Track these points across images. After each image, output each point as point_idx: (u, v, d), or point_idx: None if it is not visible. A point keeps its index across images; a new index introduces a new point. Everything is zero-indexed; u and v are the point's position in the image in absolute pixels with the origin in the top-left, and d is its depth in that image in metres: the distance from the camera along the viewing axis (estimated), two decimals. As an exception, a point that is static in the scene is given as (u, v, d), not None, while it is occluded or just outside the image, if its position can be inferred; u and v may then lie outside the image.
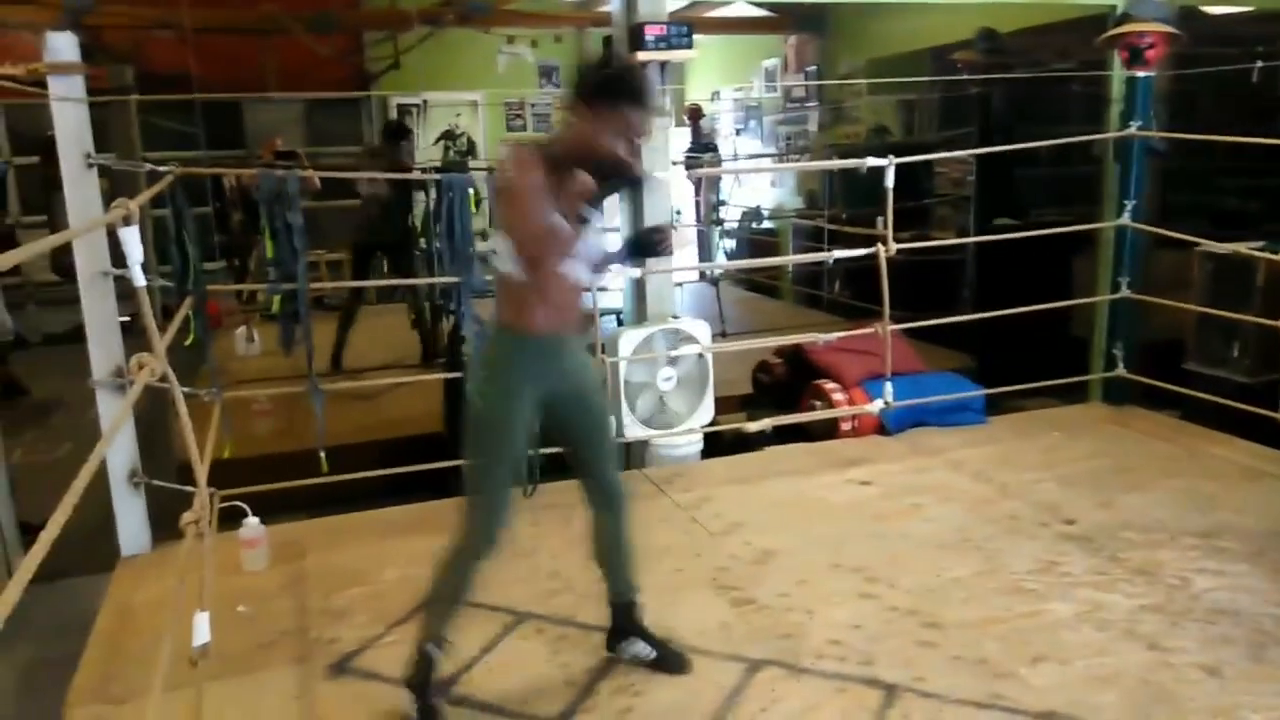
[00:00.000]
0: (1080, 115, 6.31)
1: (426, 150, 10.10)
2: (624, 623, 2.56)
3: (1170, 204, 5.05)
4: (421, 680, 2.35)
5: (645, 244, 2.42)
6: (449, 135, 10.86)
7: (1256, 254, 4.22)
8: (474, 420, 2.32)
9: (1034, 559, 3.12)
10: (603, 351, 3.94)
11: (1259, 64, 4.91)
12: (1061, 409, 4.78)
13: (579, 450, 2.50)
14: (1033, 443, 4.24)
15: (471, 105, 11.39)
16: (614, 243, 2.58)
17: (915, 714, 2.33)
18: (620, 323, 4.55)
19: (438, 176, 4.24)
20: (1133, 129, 4.40)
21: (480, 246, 3.72)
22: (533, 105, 11.28)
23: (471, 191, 3.61)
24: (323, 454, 3.64)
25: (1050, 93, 6.85)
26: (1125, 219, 4.50)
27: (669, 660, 2.53)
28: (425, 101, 10.77)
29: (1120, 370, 4.59)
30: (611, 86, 2.11)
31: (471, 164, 9.24)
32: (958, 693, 2.41)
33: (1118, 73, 4.54)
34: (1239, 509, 3.44)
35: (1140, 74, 4.37)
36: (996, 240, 5.26)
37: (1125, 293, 4.56)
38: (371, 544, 3.45)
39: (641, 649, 2.54)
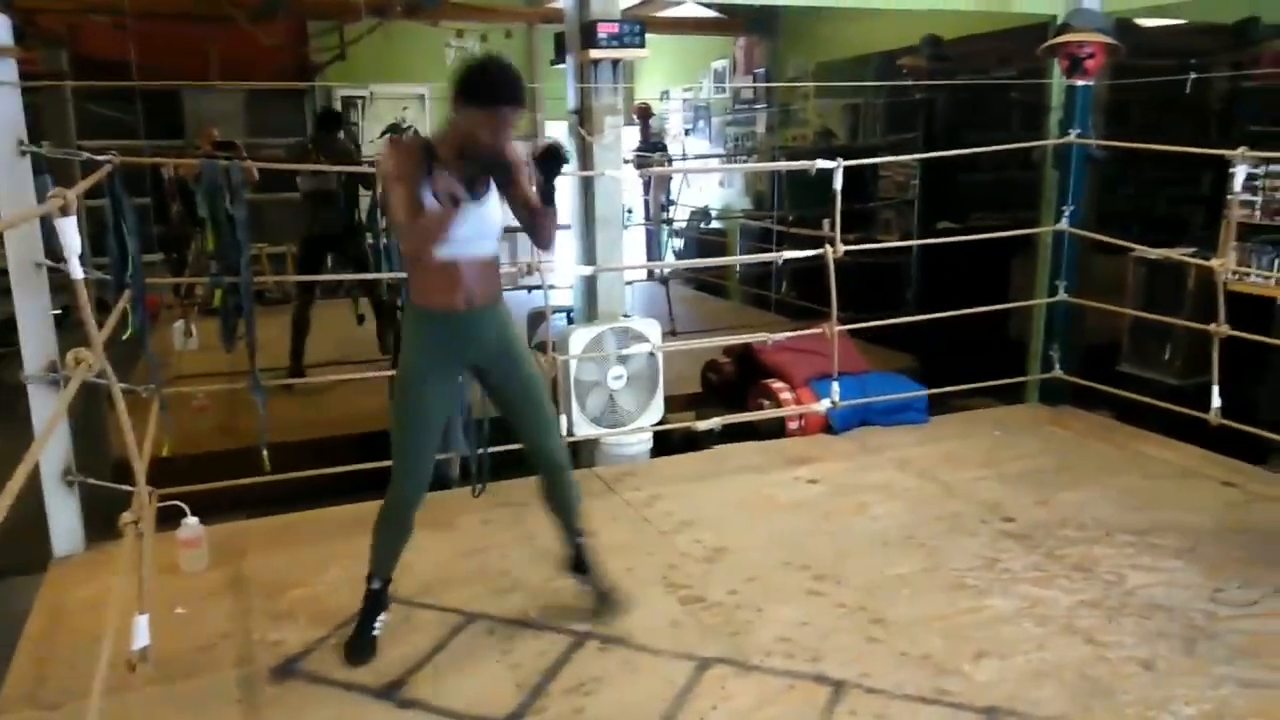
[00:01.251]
0: (1021, 122, 6.46)
1: (374, 143, 9.93)
2: (576, 561, 2.85)
3: (1107, 210, 5.21)
4: (365, 612, 2.67)
5: (545, 161, 2.40)
6: (395, 129, 10.68)
7: (1188, 259, 4.36)
8: (394, 386, 2.62)
9: (976, 556, 3.19)
10: (553, 350, 3.92)
11: (1192, 76, 5.08)
12: (1001, 409, 4.90)
13: (511, 417, 2.70)
14: (974, 442, 4.33)
15: (419, 99, 11.23)
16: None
17: (862, 710, 2.36)
18: (571, 321, 4.54)
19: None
20: (1071, 136, 4.53)
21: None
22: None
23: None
24: (265, 452, 3.56)
25: (992, 99, 7.01)
26: (1063, 224, 4.63)
27: (602, 604, 2.79)
28: (371, 94, 10.60)
29: (1057, 372, 4.72)
30: (475, 85, 2.30)
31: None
32: (903, 689, 2.45)
33: (1057, 81, 4.66)
34: (1172, 507, 3.55)
35: (1079, 83, 4.49)
36: (939, 243, 5.37)
37: (1062, 296, 4.69)
38: (316, 544, 3.38)
39: (587, 588, 2.84)
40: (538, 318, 4.71)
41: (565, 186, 2.59)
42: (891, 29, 7.10)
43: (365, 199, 5.93)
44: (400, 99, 11.08)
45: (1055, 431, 4.49)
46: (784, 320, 7.03)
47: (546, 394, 2.74)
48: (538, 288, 3.69)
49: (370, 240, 4.47)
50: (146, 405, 3.39)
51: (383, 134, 10.50)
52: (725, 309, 8.64)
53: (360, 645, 2.63)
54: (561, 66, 4.20)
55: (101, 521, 3.10)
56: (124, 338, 3.39)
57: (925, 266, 6.29)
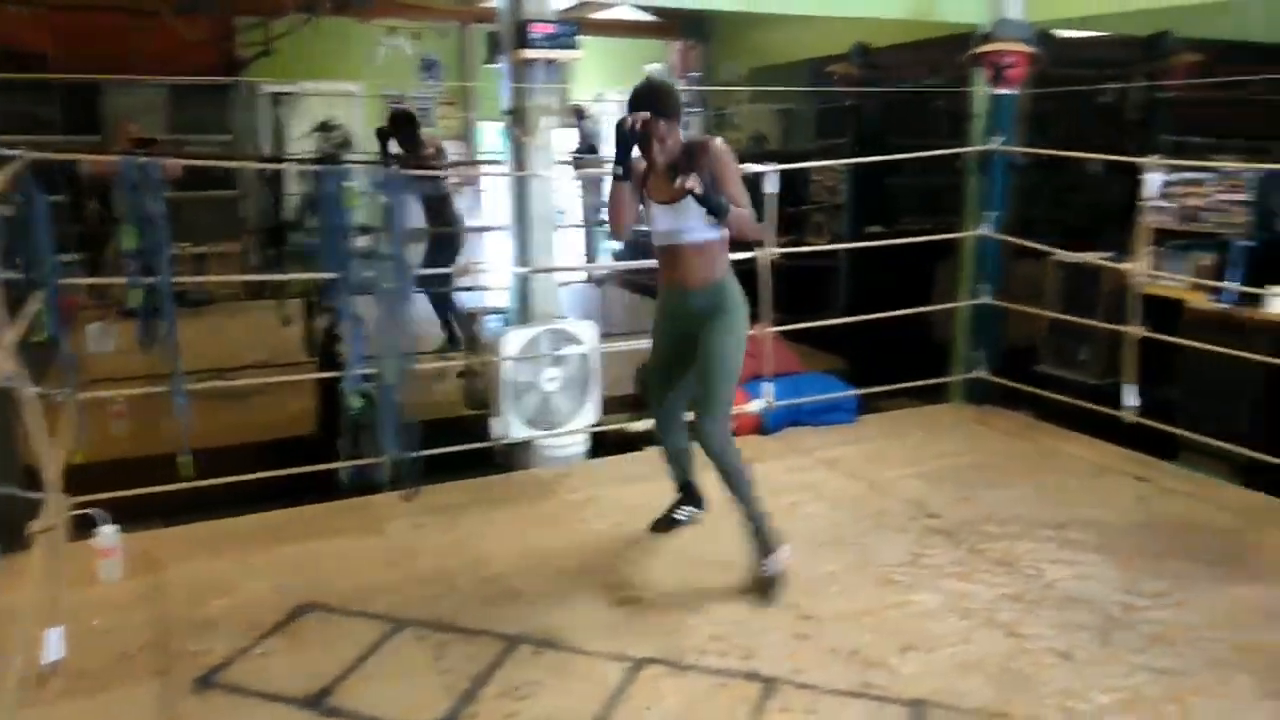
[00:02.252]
0: (947, 129, 6.62)
1: (300, 142, 9.74)
2: (684, 495, 3.34)
3: (1029, 216, 5.36)
4: (672, 504, 3.44)
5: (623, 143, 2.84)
6: (324, 127, 10.50)
7: (1103, 263, 4.52)
8: None
9: (902, 552, 3.26)
10: (485, 351, 3.89)
11: (1109, 86, 5.27)
12: (926, 409, 5.01)
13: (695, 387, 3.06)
14: (900, 441, 4.42)
15: (348, 97, 11.03)
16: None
17: (793, 706, 2.39)
18: (505, 323, 4.50)
19: (312, 169, 4.10)
20: (994, 144, 4.66)
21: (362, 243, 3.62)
22: (413, 99, 11.02)
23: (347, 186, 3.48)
24: (186, 458, 3.46)
25: (920, 107, 7.17)
26: (986, 229, 4.76)
27: (756, 587, 2.97)
28: (297, 91, 10.37)
29: (980, 372, 4.86)
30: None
31: (348, 158, 8.95)
32: (833, 683, 2.49)
33: (981, 89, 4.79)
34: (1089, 503, 3.68)
35: (1002, 91, 4.63)
36: (869, 247, 5.47)
37: (985, 299, 4.82)
38: (240, 552, 3.30)
39: (684, 513, 3.36)
40: (470, 318, 4.67)
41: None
42: (822, 36, 7.22)
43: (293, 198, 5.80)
44: (330, 97, 10.87)
45: (978, 430, 4.61)
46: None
47: (719, 379, 2.96)
48: (470, 289, 3.66)
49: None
50: (61, 410, 3.26)
51: (311, 132, 10.33)
52: (660, 311, 8.65)
53: (661, 521, 3.40)
54: (496, 66, 4.17)
55: (8, 532, 2.97)
56: (37, 340, 3.26)
57: (855, 270, 6.39)
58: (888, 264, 5.49)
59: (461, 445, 3.89)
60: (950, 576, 3.08)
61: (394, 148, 5.73)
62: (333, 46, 9.88)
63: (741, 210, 2.83)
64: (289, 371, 5.53)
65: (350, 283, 3.38)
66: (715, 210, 2.75)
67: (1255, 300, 4.08)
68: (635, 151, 2.86)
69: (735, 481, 2.95)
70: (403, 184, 3.32)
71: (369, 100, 10.99)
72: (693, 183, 2.70)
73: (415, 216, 9.07)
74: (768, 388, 4.40)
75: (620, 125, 2.80)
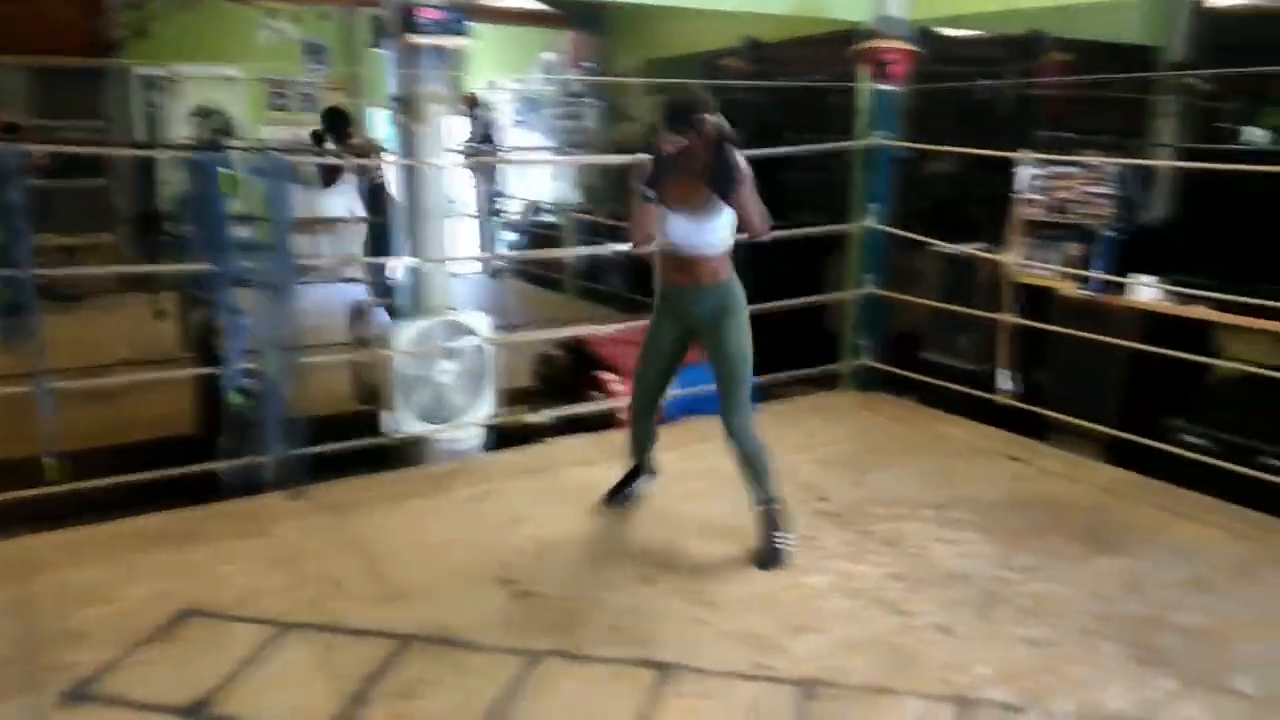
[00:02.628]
0: (836, 124, 6.78)
1: (178, 128, 9.30)
2: (760, 521, 3.17)
3: (912, 208, 5.55)
4: (623, 478, 3.56)
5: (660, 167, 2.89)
6: (203, 112, 10.05)
7: (979, 254, 4.72)
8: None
9: (795, 536, 3.34)
10: (376, 344, 3.80)
11: (985, 83, 5.50)
12: (818, 396, 5.14)
13: (714, 380, 3.17)
14: (793, 428, 4.52)
15: (228, 81, 10.58)
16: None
17: (687, 691, 2.43)
18: (394, 314, 4.40)
19: (187, 154, 3.91)
20: (878, 139, 4.80)
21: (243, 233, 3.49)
22: (298, 84, 10.65)
23: (224, 173, 3.35)
24: (52, 460, 3.27)
25: (810, 102, 7.32)
26: (871, 222, 4.91)
27: (757, 555, 3.11)
28: (174, 74, 9.89)
29: (867, 360, 5.01)
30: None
31: (229, 144, 8.59)
32: (727, 666, 2.53)
33: (865, 86, 4.93)
34: (969, 483, 3.84)
35: (885, 87, 4.77)
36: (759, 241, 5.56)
37: (871, 289, 4.98)
38: (115, 558, 3.14)
39: (759, 539, 3.16)
40: (359, 311, 4.55)
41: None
42: (715, 30, 7.29)
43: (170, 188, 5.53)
44: (208, 80, 10.41)
45: (866, 416, 4.76)
46: (616, 313, 7.09)
47: (743, 375, 3.11)
48: (358, 280, 3.57)
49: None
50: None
51: (191, 117, 9.88)
52: (558, 302, 8.62)
53: (613, 496, 3.51)
54: (382, 52, 4.06)
55: None
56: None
57: (749, 261, 6.49)
58: (782, 255, 5.60)
59: (351, 441, 3.79)
60: (840, 558, 3.17)
61: (328, 144, 5.56)
62: (211, 29, 9.46)
63: (750, 202, 2.94)
64: (166, 368, 5.30)
65: (228, 274, 3.25)
66: (721, 185, 2.85)
67: (1119, 288, 4.33)
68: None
69: (760, 469, 3.13)
70: (283, 171, 3.20)
71: (251, 84, 10.56)
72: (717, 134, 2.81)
73: (305, 205, 8.80)
74: (664, 378, 4.43)
75: (658, 151, 2.85)
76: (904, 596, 2.92)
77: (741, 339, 3.11)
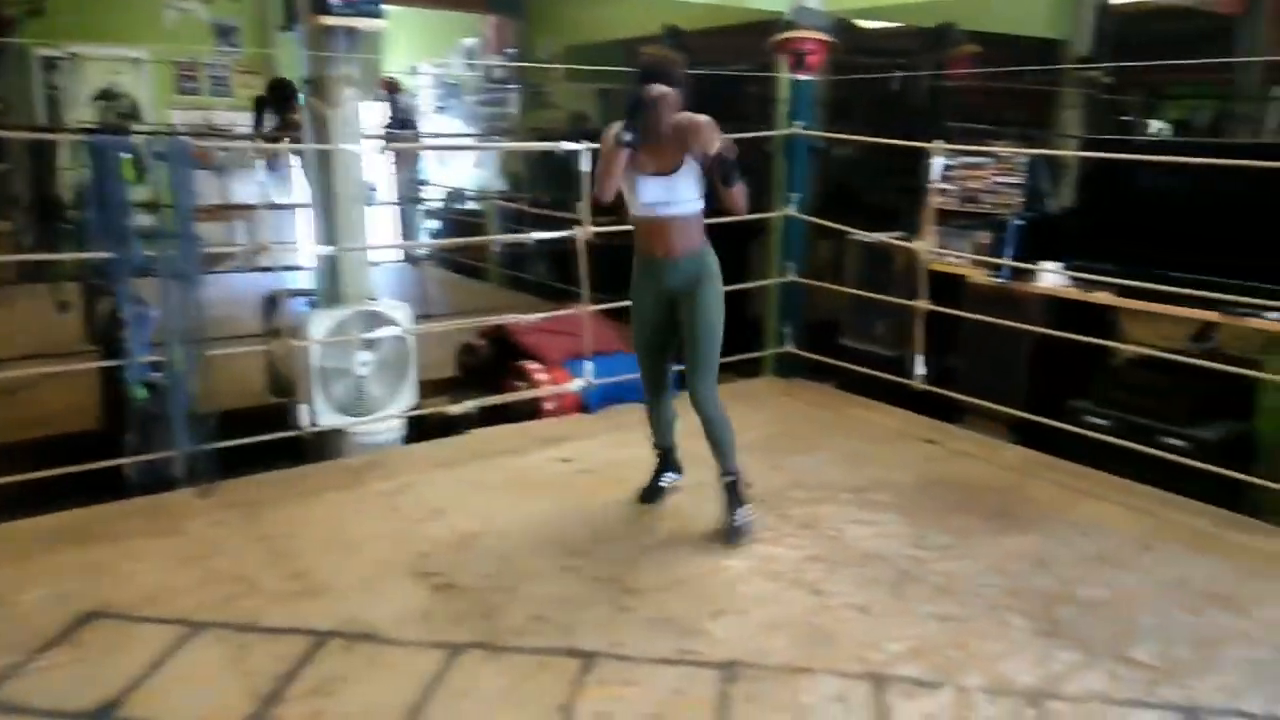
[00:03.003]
0: (757, 114, 6.85)
1: (80, 111, 8.89)
2: (723, 495, 3.23)
3: (832, 197, 5.64)
4: (656, 470, 3.57)
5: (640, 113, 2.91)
6: (107, 95, 9.64)
7: (895, 242, 4.83)
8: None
9: (716, 521, 3.37)
10: (290, 335, 3.70)
11: (899, 74, 5.61)
12: (741, 383, 5.19)
13: (683, 348, 3.20)
14: (670, 360, 4.54)
15: (135, 62, 10.16)
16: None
17: (611, 678, 2.43)
18: (311, 304, 4.30)
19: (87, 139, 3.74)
20: (797, 128, 4.86)
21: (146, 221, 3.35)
22: (208, 66, 10.28)
23: (129, 158, 3.21)
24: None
25: (731, 91, 7.36)
26: (791, 210, 4.97)
27: (723, 532, 3.19)
28: (74, 55, 9.45)
29: (788, 347, 5.09)
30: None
31: (135, 128, 8.26)
32: (650, 652, 2.55)
33: (784, 75, 4.98)
34: (886, 466, 3.93)
35: (803, 78, 4.83)
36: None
37: (791, 277, 5.05)
38: (14, 560, 3.01)
39: (723, 517, 3.22)
40: (272, 301, 4.42)
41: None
42: (634, 17, 7.28)
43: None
44: (112, 62, 9.98)
45: (787, 402, 4.83)
46: (540, 302, 7.05)
47: (711, 345, 3.16)
48: (270, 269, 3.46)
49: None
50: None
51: (93, 100, 9.45)
52: (481, 291, 8.53)
53: (649, 491, 3.49)
54: (293, 34, 3.95)
55: None
56: None
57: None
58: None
59: (264, 435, 3.68)
60: (760, 541, 3.22)
61: (269, 119, 5.35)
62: (114, 8, 9.07)
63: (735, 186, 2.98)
64: (68, 361, 5.08)
65: (130, 264, 3.12)
66: (728, 179, 2.91)
67: (1027, 275, 4.47)
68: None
69: (724, 438, 3.20)
70: (187, 156, 3.09)
71: (158, 66, 10.16)
72: (726, 149, 2.87)
73: (213, 193, 8.51)
74: (588, 367, 4.43)
75: (640, 96, 2.88)
76: (822, 577, 2.98)
77: (716, 310, 3.16)
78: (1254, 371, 3.87)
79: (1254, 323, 3.76)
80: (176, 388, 3.21)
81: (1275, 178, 3.66)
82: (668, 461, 3.57)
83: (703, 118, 2.95)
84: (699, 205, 3.08)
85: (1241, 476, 3.66)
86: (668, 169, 3.01)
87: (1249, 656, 2.58)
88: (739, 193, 2.99)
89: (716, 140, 2.92)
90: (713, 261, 3.18)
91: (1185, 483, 3.72)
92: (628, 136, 2.90)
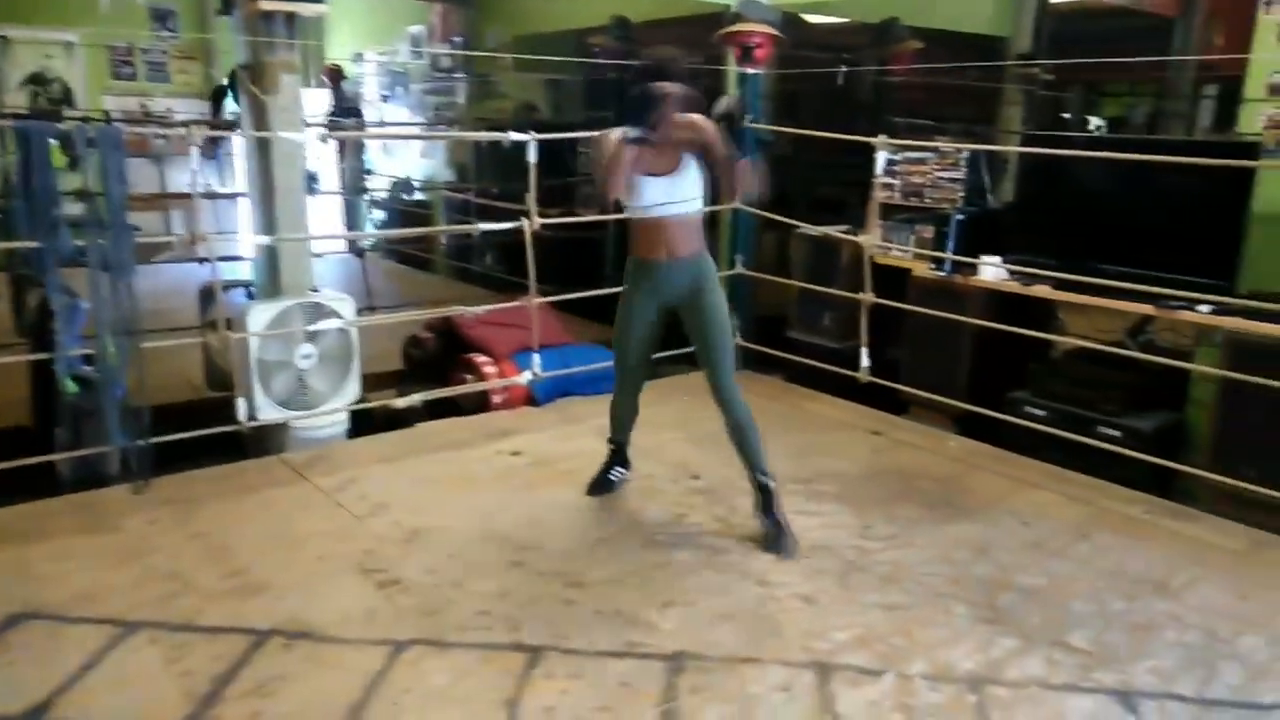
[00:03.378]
0: (706, 106, 6.84)
1: (9, 95, 8.58)
2: (757, 503, 3.13)
3: (780, 191, 5.66)
4: (605, 463, 3.54)
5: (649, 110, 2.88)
6: (38, 80, 9.32)
7: (841, 236, 4.87)
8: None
9: (666, 513, 3.39)
10: (228, 327, 3.61)
11: (844, 69, 5.66)
12: (691, 375, 5.14)
13: (698, 354, 3.18)
14: (667, 407, 4.56)
15: (67, 46, 9.83)
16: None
17: (557, 672, 2.42)
18: (251, 296, 4.20)
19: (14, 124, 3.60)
20: (745, 121, 4.86)
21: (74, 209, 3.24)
22: (144, 52, 9.98)
23: (55, 144, 3.09)
24: None
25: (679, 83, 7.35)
26: (738, 203, 4.97)
27: (770, 541, 3.08)
28: (3, 38, 9.12)
29: (736, 339, 5.09)
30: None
31: (67, 114, 8.00)
32: (597, 645, 2.54)
33: (732, 69, 4.99)
34: (832, 457, 3.97)
35: (750, 71, 4.84)
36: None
37: (740, 270, 5.07)
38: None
39: (761, 526, 3.12)
40: (209, 293, 4.30)
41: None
42: (584, 7, 7.23)
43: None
44: (43, 45, 9.64)
45: (737, 394, 4.84)
46: (488, 294, 6.98)
47: (727, 344, 3.13)
48: (208, 260, 3.37)
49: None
50: None
51: (22, 85, 9.13)
52: (428, 283, 8.44)
53: (598, 484, 3.48)
54: (230, 19, 3.84)
55: None
56: None
57: (622, 241, 6.51)
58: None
59: (202, 430, 3.59)
60: (709, 534, 3.23)
61: (230, 107, 5.18)
62: (45, -11, 8.77)
63: (744, 177, 3.03)
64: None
65: (60, 253, 3.01)
66: (738, 137, 2.96)
67: (969, 269, 4.54)
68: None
69: (751, 437, 3.12)
70: (119, 142, 2.99)
71: (92, 51, 9.84)
72: (726, 104, 2.95)
73: (150, 181, 8.27)
74: (536, 359, 4.40)
75: (651, 93, 2.84)
76: (769, 568, 3.00)
77: (723, 311, 3.14)
78: (1186, 364, 3.99)
79: (1186, 316, 3.87)
80: (109, 381, 3.11)
81: (1207, 174, 3.78)
82: (620, 456, 3.55)
83: (702, 118, 2.96)
84: (700, 205, 3.06)
85: (1175, 465, 3.77)
86: (670, 169, 2.98)
87: (1181, 640, 2.65)
88: (750, 169, 3.00)
89: (719, 139, 2.93)
90: (712, 265, 3.17)
91: (1121, 471, 3.82)
92: (637, 133, 2.85)
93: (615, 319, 3.26)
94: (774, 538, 3.09)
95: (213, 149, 9.23)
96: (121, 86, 9.90)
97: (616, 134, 2.90)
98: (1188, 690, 2.42)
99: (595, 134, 3.00)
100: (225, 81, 5.42)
